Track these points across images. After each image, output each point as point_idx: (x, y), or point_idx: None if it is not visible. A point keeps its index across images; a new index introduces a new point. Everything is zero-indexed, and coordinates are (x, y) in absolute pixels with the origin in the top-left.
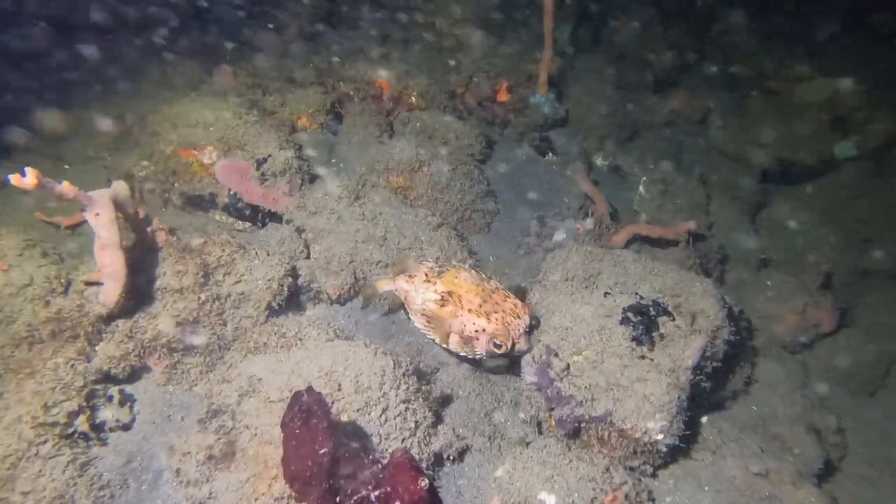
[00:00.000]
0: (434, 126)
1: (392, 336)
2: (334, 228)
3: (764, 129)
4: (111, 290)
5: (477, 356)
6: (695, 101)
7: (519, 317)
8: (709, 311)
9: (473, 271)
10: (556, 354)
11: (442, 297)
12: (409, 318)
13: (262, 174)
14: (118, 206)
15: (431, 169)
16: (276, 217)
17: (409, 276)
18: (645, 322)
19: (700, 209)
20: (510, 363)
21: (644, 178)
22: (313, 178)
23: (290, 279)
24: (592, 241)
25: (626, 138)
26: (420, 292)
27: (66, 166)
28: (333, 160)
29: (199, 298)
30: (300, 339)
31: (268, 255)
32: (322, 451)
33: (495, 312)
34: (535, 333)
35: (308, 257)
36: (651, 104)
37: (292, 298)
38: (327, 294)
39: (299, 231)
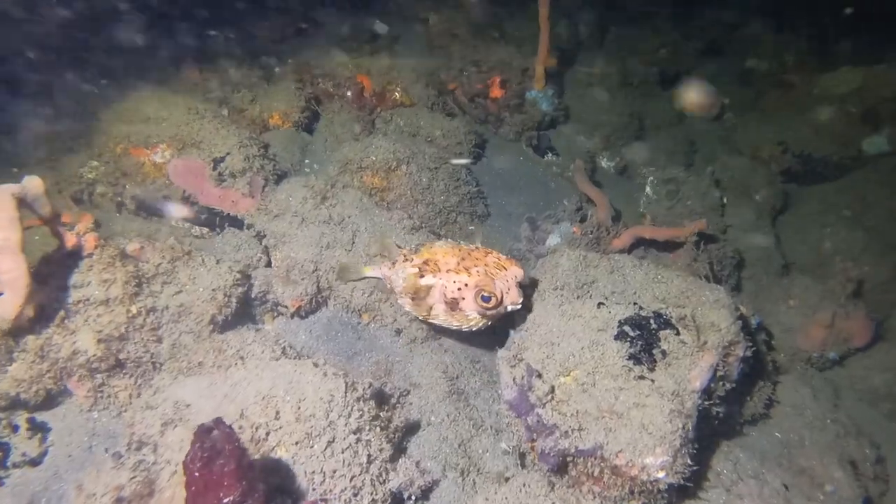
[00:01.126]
0: (419, 123)
1: (357, 354)
2: (297, 233)
3: (784, 125)
4: (10, 302)
5: (471, 323)
6: (708, 97)
7: (504, 268)
8: (720, 324)
9: (450, 240)
10: (539, 375)
11: (419, 268)
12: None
13: (220, 174)
14: (29, 205)
15: (410, 168)
16: (237, 221)
17: (392, 263)
18: (644, 337)
19: (714, 211)
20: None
21: (651, 178)
22: (280, 179)
23: (241, 289)
24: (590, 246)
25: (633, 137)
26: (399, 272)
27: (15, 169)
28: (307, 160)
29: (130, 311)
30: (241, 358)
31: (217, 262)
32: (226, 501)
33: (475, 266)
34: (522, 329)
35: (269, 265)
36: (661, 101)
37: (246, 311)
38: (285, 306)
39: (259, 236)
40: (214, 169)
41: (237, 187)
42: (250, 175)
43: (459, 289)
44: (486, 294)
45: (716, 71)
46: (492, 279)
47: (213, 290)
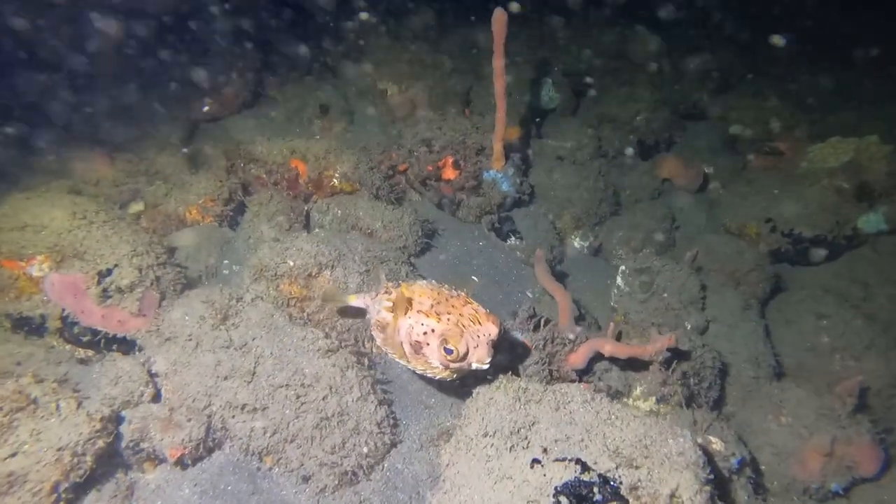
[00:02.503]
0: (357, 214)
1: None
2: (189, 360)
3: (772, 199)
4: None
5: (435, 372)
6: (689, 166)
7: (480, 323)
8: (682, 494)
9: (434, 282)
10: None
11: (392, 303)
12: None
13: (104, 290)
14: None
15: (336, 273)
16: (130, 343)
17: (374, 294)
18: None
19: (693, 304)
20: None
21: (622, 268)
22: (188, 289)
23: (102, 442)
24: (542, 364)
25: (608, 214)
26: (376, 304)
27: None
28: (226, 260)
29: None
30: None
31: (78, 406)
32: None
33: (448, 314)
34: (442, 489)
35: (155, 400)
36: (639, 173)
37: (115, 461)
38: (165, 455)
39: (147, 364)
40: (99, 284)
41: (125, 305)
42: (142, 290)
43: (425, 333)
44: (449, 346)
45: (698, 137)
46: (461, 331)
47: (60, 448)
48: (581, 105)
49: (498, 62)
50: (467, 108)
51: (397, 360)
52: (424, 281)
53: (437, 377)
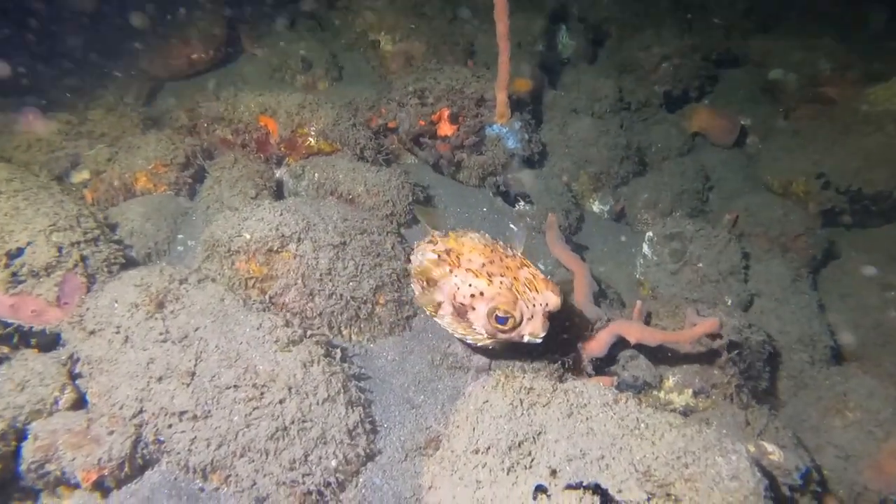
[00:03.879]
0: (336, 178)
1: None
2: (117, 357)
3: (823, 152)
4: None
5: (477, 338)
6: (723, 118)
7: (537, 290)
8: None
9: (488, 236)
10: None
11: (439, 255)
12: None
13: (13, 274)
14: None
15: (303, 248)
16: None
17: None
18: None
19: (734, 276)
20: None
21: (649, 234)
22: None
23: None
24: (550, 354)
25: (632, 173)
26: (419, 253)
27: None
28: (181, 235)
29: None
30: None
31: None
32: None
33: (502, 276)
34: None
35: (77, 407)
36: (666, 126)
37: (12, 489)
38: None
39: (69, 362)
40: (7, 266)
41: (40, 292)
42: (62, 273)
43: (472, 295)
44: (501, 314)
45: (733, 86)
46: (515, 298)
47: None
48: (600, 54)
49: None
50: (471, 59)
51: (434, 318)
52: (477, 234)
53: (479, 344)
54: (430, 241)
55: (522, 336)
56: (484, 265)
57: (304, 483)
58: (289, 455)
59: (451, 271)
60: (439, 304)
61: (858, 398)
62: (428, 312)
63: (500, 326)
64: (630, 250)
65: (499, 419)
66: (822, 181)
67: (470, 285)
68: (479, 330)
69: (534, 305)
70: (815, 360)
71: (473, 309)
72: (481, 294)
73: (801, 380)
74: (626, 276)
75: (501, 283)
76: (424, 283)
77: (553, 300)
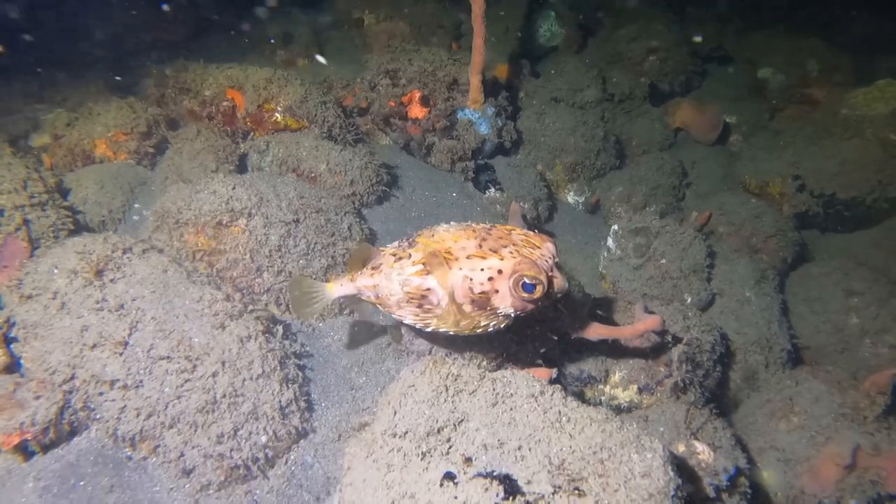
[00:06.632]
0: (299, 155)
1: None
2: (52, 323)
3: (802, 154)
4: None
5: (498, 323)
6: (706, 114)
7: (536, 245)
8: None
9: (454, 222)
10: None
11: (423, 264)
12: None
13: None
14: None
15: (253, 223)
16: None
17: (373, 269)
18: None
19: (697, 273)
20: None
21: (614, 227)
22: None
23: None
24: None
25: (609, 166)
26: (394, 277)
27: None
28: (137, 204)
29: None
30: None
31: None
32: None
33: (504, 247)
34: None
35: (11, 371)
36: (648, 120)
37: None
38: None
39: (5, 325)
40: None
41: None
42: (2, 237)
43: (490, 278)
44: (529, 281)
45: (720, 83)
46: (531, 261)
47: None
48: (590, 44)
49: None
50: (456, 42)
51: (451, 331)
52: (444, 224)
53: (489, 328)
54: (398, 258)
55: (557, 295)
56: (480, 245)
57: (231, 457)
58: (217, 428)
59: (455, 269)
60: (458, 308)
61: (804, 403)
62: (446, 329)
63: (530, 295)
64: (600, 243)
65: (421, 404)
66: (797, 183)
67: (482, 269)
68: (507, 310)
69: (547, 260)
70: (770, 363)
71: (497, 291)
72: (499, 272)
73: (754, 382)
74: (592, 269)
75: (510, 252)
76: (419, 302)
77: (553, 248)
